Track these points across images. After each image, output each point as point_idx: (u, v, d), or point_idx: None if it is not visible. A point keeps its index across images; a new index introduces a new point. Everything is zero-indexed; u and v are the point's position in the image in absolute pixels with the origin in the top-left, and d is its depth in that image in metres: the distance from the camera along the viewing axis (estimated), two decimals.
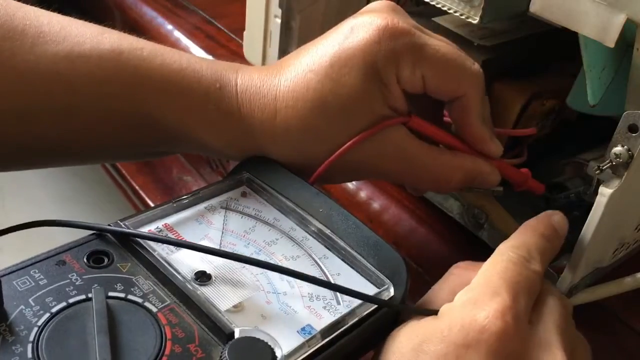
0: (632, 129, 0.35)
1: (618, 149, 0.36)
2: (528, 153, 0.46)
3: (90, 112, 0.39)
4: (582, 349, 0.34)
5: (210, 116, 0.40)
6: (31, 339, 0.27)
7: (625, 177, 0.36)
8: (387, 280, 0.34)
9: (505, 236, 0.44)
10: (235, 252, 0.35)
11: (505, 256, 0.34)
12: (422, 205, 0.51)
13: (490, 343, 0.29)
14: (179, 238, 0.35)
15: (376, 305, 0.33)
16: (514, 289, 0.32)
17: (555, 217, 0.38)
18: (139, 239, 0.33)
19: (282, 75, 0.40)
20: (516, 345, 0.30)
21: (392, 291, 0.34)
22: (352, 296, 0.32)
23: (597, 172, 0.37)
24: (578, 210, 0.39)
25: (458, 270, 0.36)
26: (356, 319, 0.32)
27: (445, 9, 0.42)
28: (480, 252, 0.45)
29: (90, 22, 0.41)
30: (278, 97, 0.39)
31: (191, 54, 0.43)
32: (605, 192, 0.36)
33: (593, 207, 0.37)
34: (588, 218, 0.38)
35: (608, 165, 0.36)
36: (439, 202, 0.49)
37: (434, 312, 0.32)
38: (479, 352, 0.29)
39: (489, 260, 0.34)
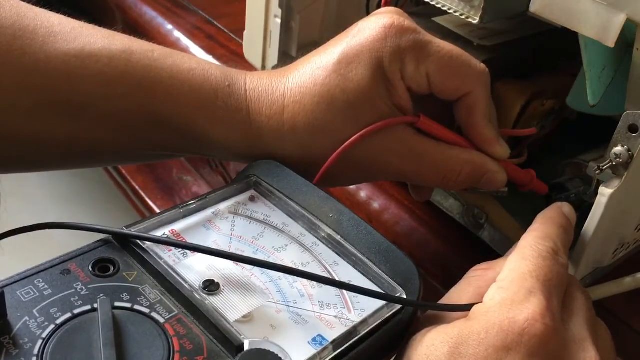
0: (632, 129, 0.35)
1: (618, 149, 0.36)
2: (528, 153, 0.46)
3: (99, 111, 0.39)
4: (605, 336, 0.34)
5: (218, 113, 0.40)
6: (35, 352, 0.27)
7: (625, 177, 0.36)
8: (400, 288, 0.33)
9: (505, 236, 0.45)
10: None
11: (535, 250, 0.34)
12: (422, 205, 0.51)
13: (530, 346, 0.29)
14: None
15: (389, 314, 0.32)
16: (547, 288, 0.32)
17: (565, 208, 0.38)
18: (145, 246, 0.33)
19: (291, 75, 0.41)
20: (555, 346, 0.30)
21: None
22: (374, 297, 0.32)
23: (597, 172, 0.37)
24: (578, 211, 0.39)
25: (478, 272, 0.35)
26: (369, 328, 0.31)
27: (445, 9, 0.42)
28: (480, 252, 0.45)
29: (89, 22, 0.41)
30: (286, 94, 0.40)
31: (201, 58, 0.43)
32: (605, 192, 0.37)
33: (593, 208, 0.38)
34: (588, 218, 0.38)
35: (608, 165, 0.36)
36: (439, 202, 0.49)
37: (468, 308, 0.32)
38: (519, 355, 0.29)
39: (516, 253, 0.34)
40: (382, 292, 0.34)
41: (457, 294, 0.34)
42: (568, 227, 0.37)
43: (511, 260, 0.34)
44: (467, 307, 0.32)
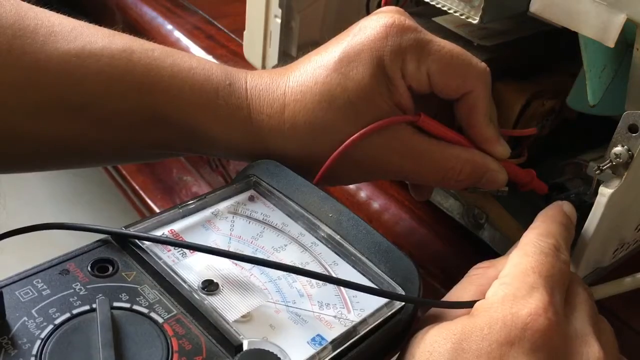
0: (632, 129, 0.35)
1: (618, 149, 0.36)
2: (528, 153, 0.46)
3: (100, 111, 0.39)
4: (607, 332, 0.34)
5: (219, 111, 0.40)
6: (34, 352, 0.27)
7: (625, 177, 0.36)
8: (399, 288, 0.33)
9: (505, 236, 0.45)
10: None
11: (536, 247, 0.34)
12: (422, 205, 0.51)
13: (533, 340, 0.30)
14: None
15: (389, 314, 0.32)
16: (549, 284, 0.32)
17: (565, 207, 0.38)
18: (144, 246, 0.33)
19: (292, 73, 0.41)
20: (558, 341, 0.30)
21: None
22: (377, 294, 0.32)
23: (597, 172, 0.37)
24: (578, 211, 0.39)
25: (480, 270, 0.36)
26: (368, 328, 0.31)
27: (445, 9, 0.42)
28: (480, 252, 0.45)
29: (90, 22, 0.41)
30: (287, 92, 0.40)
31: (201, 57, 0.43)
32: (605, 192, 0.37)
33: (593, 208, 0.37)
34: (588, 218, 0.38)
35: (608, 165, 0.36)
36: (439, 202, 0.49)
37: (470, 305, 0.32)
38: (522, 349, 0.29)
39: (518, 250, 0.34)
40: (384, 298, 0.33)
41: (458, 292, 0.35)
42: (569, 225, 0.38)
43: (513, 257, 0.34)
44: (469, 304, 0.32)
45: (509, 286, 0.32)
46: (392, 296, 0.33)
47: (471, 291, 0.34)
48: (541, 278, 0.32)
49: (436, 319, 0.33)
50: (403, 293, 0.33)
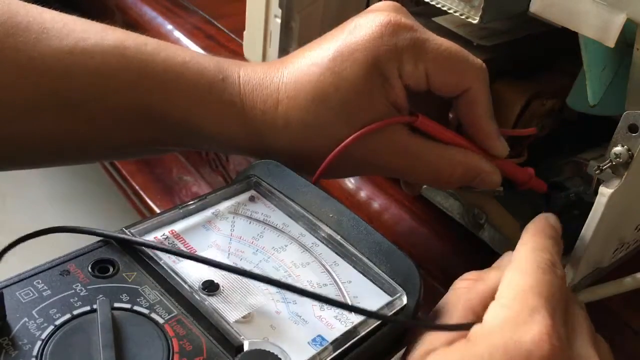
0: (632, 129, 0.35)
1: (618, 149, 0.36)
2: (528, 153, 0.46)
3: (94, 107, 0.39)
4: (606, 353, 0.33)
5: (213, 107, 0.40)
6: (35, 353, 0.27)
7: (625, 177, 0.36)
8: (400, 288, 0.33)
9: (505, 236, 0.45)
10: (243, 259, 0.34)
11: (533, 263, 0.32)
12: (422, 205, 0.51)
13: None
14: (186, 245, 0.34)
15: (390, 314, 0.32)
16: (550, 305, 0.30)
17: (551, 219, 0.37)
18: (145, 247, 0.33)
19: (286, 69, 0.40)
20: None
21: (404, 300, 0.33)
22: (371, 317, 0.31)
23: (597, 172, 0.37)
24: (578, 210, 0.39)
25: (466, 283, 0.34)
26: (369, 328, 0.31)
27: (445, 9, 0.42)
28: (480, 252, 0.45)
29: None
30: (280, 89, 0.40)
31: (194, 51, 0.43)
32: (605, 192, 0.37)
33: (593, 207, 0.37)
34: (588, 218, 0.38)
35: (608, 165, 0.36)
36: (439, 202, 0.49)
37: (467, 327, 0.30)
38: None
39: (514, 268, 0.33)
40: (381, 292, 0.33)
41: (446, 310, 0.33)
42: (558, 238, 0.36)
43: (509, 274, 0.32)
44: (466, 327, 0.31)
45: (508, 309, 0.30)
46: (383, 318, 0.32)
47: (459, 306, 0.32)
48: (542, 299, 0.30)
49: (431, 333, 0.32)
50: (404, 293, 0.33)
